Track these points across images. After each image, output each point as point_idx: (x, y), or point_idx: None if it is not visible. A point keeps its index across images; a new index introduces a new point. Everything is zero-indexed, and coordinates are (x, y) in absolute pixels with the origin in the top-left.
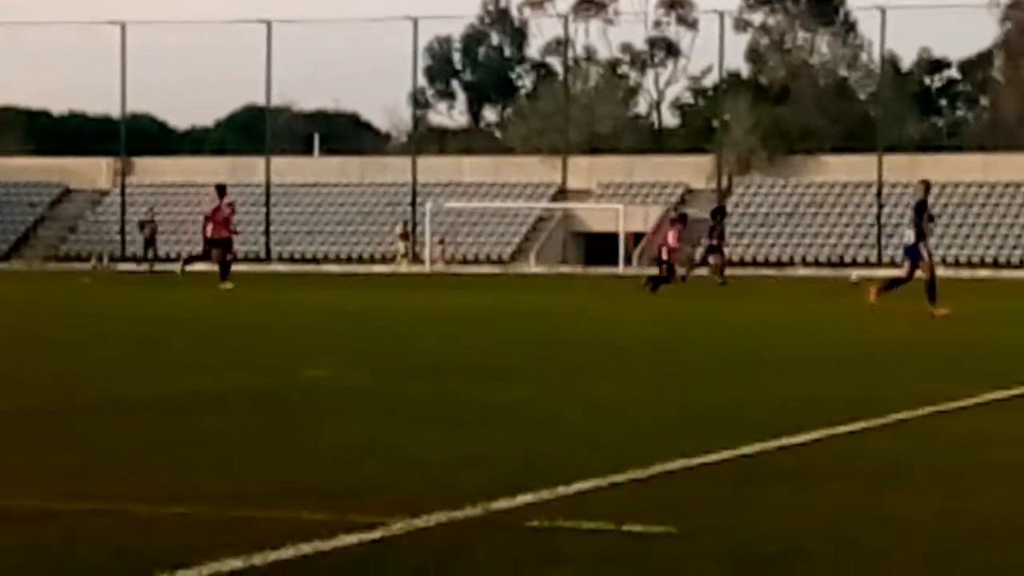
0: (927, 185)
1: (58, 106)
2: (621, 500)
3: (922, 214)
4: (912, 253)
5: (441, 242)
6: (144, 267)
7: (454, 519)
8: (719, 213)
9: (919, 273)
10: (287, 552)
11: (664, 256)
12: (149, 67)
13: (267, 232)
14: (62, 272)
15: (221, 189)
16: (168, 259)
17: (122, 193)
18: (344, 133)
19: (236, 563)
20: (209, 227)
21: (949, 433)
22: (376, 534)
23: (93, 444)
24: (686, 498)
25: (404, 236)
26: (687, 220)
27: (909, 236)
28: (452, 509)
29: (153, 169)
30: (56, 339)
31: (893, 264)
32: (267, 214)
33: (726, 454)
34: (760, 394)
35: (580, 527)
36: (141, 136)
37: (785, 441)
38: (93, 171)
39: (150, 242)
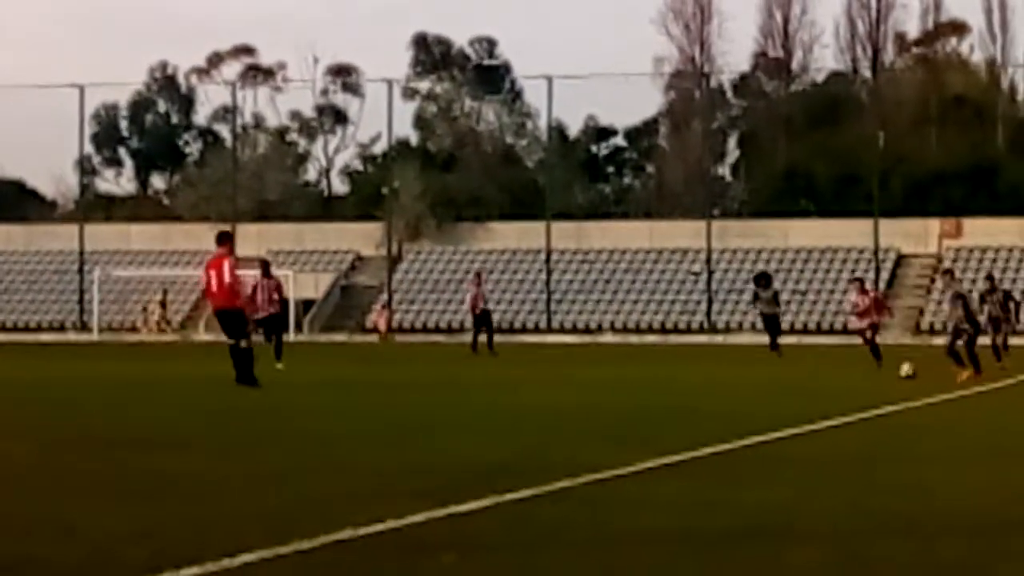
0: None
1: None
2: (287, 572)
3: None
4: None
5: (385, 307)
6: None
7: None
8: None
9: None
10: None
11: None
12: None
13: None
14: None
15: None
16: None
17: None
18: (10, 200)
19: None
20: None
21: (610, 499)
22: None
23: None
24: (351, 568)
25: (162, 304)
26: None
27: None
28: None
29: None
30: None
31: (562, 329)
32: None
33: (393, 523)
34: (427, 460)
35: None
36: None
37: (453, 509)
38: None
39: None
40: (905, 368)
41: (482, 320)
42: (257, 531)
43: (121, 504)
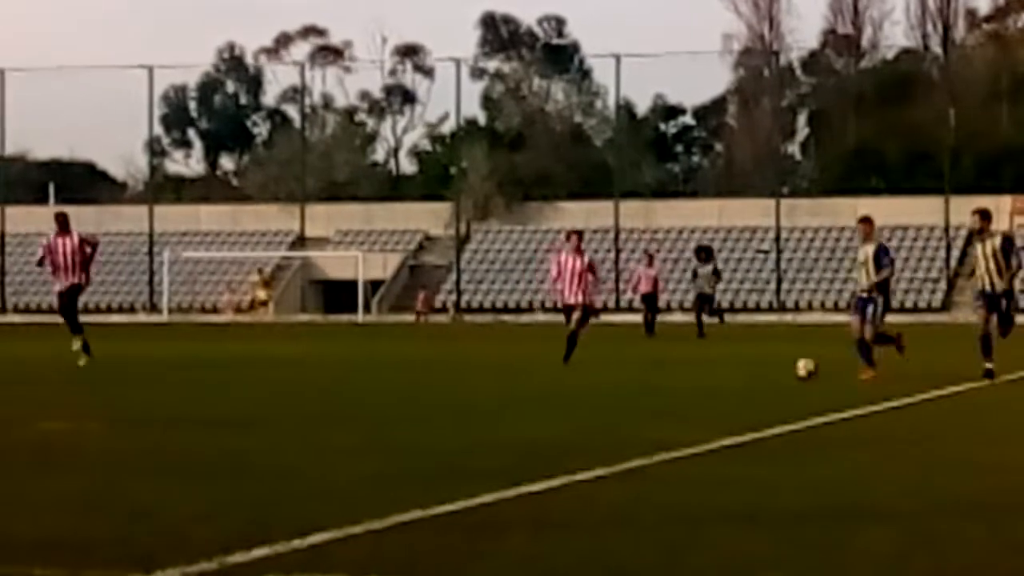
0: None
1: None
2: (357, 552)
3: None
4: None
5: (424, 287)
6: None
7: (188, 574)
8: None
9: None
10: None
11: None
12: None
13: (1, 282)
14: None
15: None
16: None
17: None
18: (80, 182)
19: None
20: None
21: (679, 479)
22: None
23: None
24: (422, 549)
25: (266, 284)
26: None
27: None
28: (187, 564)
29: None
30: None
31: (631, 309)
32: (2, 264)
33: (463, 503)
34: (496, 439)
35: None
36: None
37: (523, 489)
38: None
39: None
40: (801, 367)
41: (649, 301)
42: (327, 511)
43: (190, 484)
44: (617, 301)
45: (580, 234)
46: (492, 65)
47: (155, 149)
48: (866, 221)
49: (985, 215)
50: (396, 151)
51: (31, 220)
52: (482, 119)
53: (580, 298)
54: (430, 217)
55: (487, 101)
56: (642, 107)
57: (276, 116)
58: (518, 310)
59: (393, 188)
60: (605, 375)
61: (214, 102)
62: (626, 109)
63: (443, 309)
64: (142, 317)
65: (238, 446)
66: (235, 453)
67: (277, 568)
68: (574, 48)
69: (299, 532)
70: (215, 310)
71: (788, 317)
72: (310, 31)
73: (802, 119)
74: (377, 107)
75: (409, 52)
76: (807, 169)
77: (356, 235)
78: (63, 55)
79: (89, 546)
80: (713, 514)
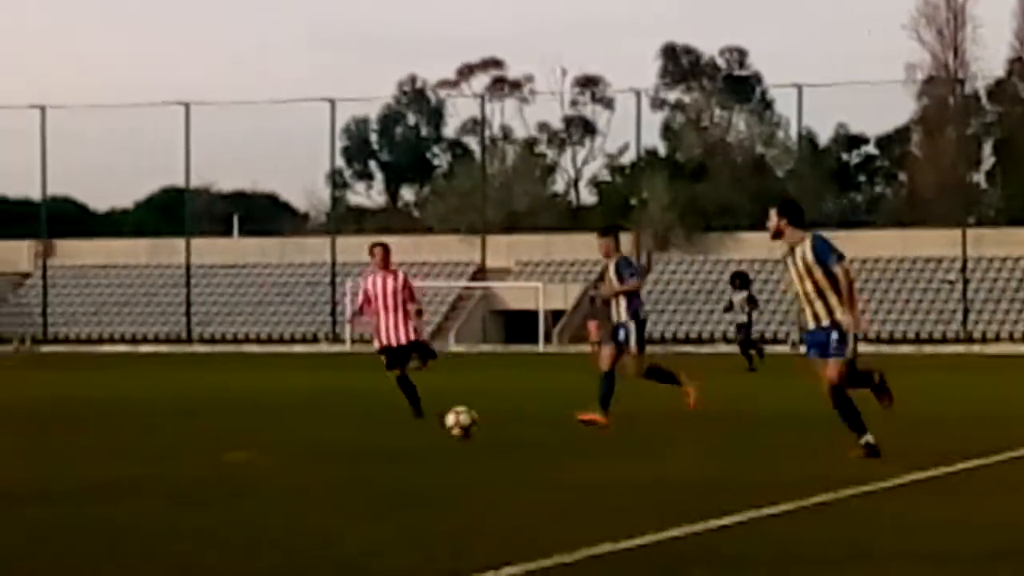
0: None
1: None
2: None
3: None
4: None
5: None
6: None
7: None
8: None
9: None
10: None
11: None
12: (69, 149)
13: (188, 313)
14: None
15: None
16: (91, 340)
17: (44, 275)
18: (263, 214)
19: None
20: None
21: (868, 515)
22: None
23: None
24: None
25: (419, 313)
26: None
27: None
28: None
29: (74, 251)
30: None
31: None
32: (187, 295)
33: (651, 538)
34: (681, 475)
35: None
36: (61, 218)
37: (710, 524)
38: (14, 254)
39: None
40: (449, 420)
41: None
42: (517, 544)
43: (374, 517)
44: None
45: (385, 247)
46: (673, 96)
47: (337, 181)
48: None
49: None
50: (576, 182)
51: (216, 252)
52: (662, 149)
53: (404, 335)
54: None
55: (667, 131)
56: (824, 137)
57: (456, 148)
58: (699, 340)
59: (573, 219)
60: (786, 406)
61: (395, 134)
62: (808, 139)
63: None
64: (324, 347)
65: (418, 478)
66: (417, 485)
67: None
68: (756, 78)
69: (491, 565)
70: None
71: (976, 348)
72: (490, 63)
73: (987, 148)
74: (557, 138)
75: (589, 83)
76: (993, 198)
77: (536, 266)
78: (246, 89)
79: None
80: (902, 551)
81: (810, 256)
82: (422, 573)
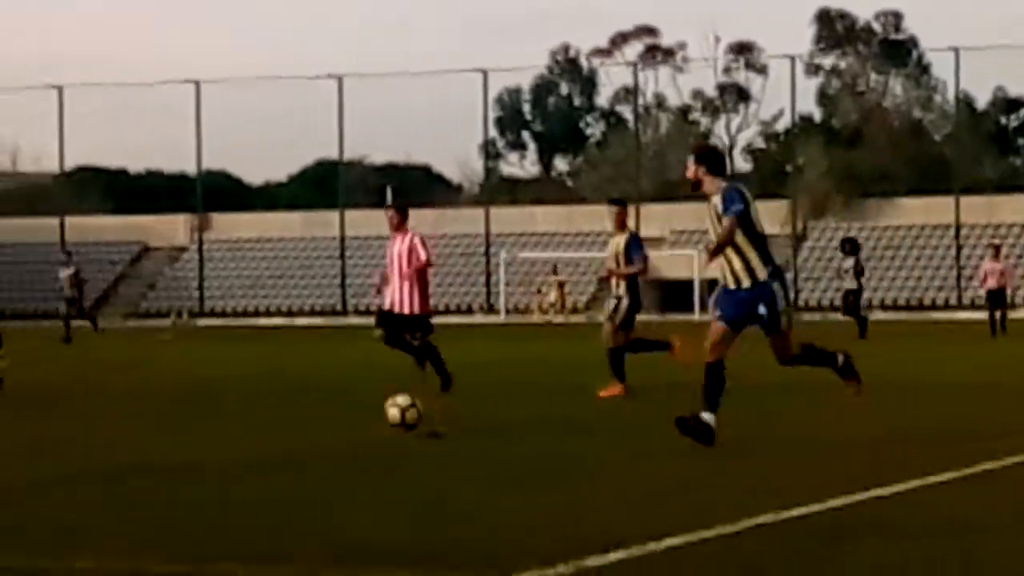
0: None
1: (135, 165)
2: (710, 556)
3: None
4: None
5: (561, 286)
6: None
7: None
8: None
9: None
10: None
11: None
12: (223, 124)
13: (342, 285)
14: (142, 329)
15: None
16: (247, 313)
17: (200, 249)
18: (416, 185)
19: None
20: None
21: None
22: None
23: (169, 504)
24: (774, 554)
25: (560, 285)
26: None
27: None
28: (543, 567)
29: (229, 225)
30: (137, 396)
31: (973, 306)
32: (342, 267)
33: (814, 507)
34: (841, 441)
35: None
36: (217, 192)
37: (873, 493)
38: (171, 228)
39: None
40: (392, 414)
41: (995, 298)
42: (677, 514)
43: (536, 487)
44: (959, 298)
45: (397, 208)
46: (827, 61)
47: (490, 152)
48: None
49: None
50: (730, 149)
51: (370, 223)
52: (818, 115)
53: (408, 305)
54: (766, 215)
55: (823, 97)
56: (982, 100)
57: (610, 116)
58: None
59: None
60: (950, 373)
61: (548, 104)
62: (966, 102)
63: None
64: (479, 318)
65: (583, 450)
66: (581, 457)
67: (633, 571)
68: (912, 42)
69: (654, 536)
70: (526, 310)
71: None
72: (643, 31)
73: None
74: (711, 105)
75: (742, 49)
76: None
77: (691, 235)
78: (399, 61)
79: (440, 550)
80: None
81: (720, 207)
82: (590, 543)
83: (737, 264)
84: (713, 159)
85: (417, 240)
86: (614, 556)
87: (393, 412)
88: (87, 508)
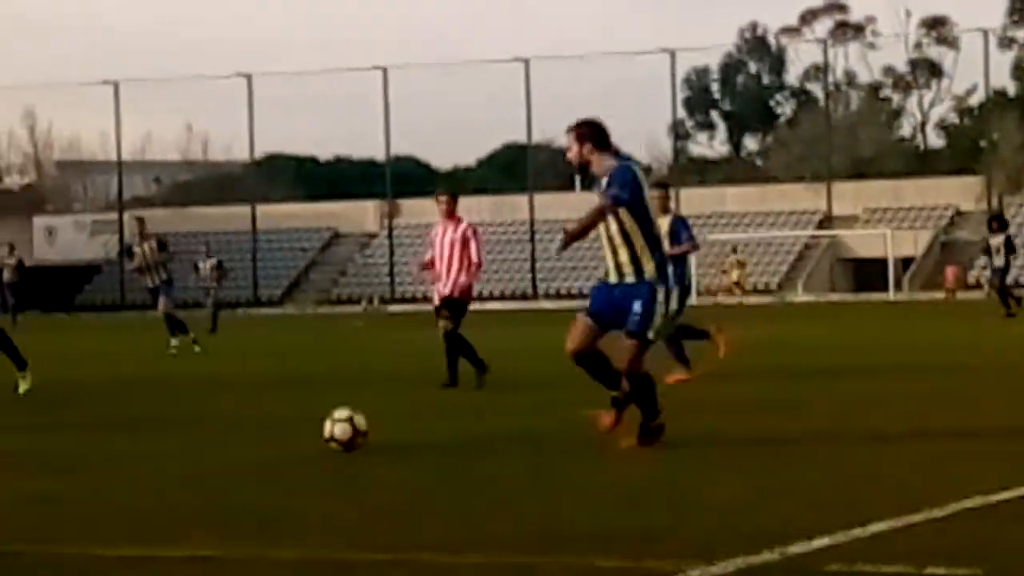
0: None
1: (324, 152)
2: (920, 541)
3: None
4: None
5: (957, 263)
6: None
7: (751, 565)
8: None
9: None
10: None
11: None
12: (410, 110)
13: (532, 269)
14: (334, 315)
15: None
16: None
17: (390, 235)
18: None
19: None
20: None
21: None
22: None
23: (371, 489)
24: (989, 538)
25: (741, 264)
26: None
27: None
28: (748, 554)
29: (418, 210)
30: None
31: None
32: (532, 251)
33: (1021, 491)
34: None
35: (880, 571)
36: (405, 178)
37: None
38: (360, 214)
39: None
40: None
41: None
42: (882, 499)
43: (737, 471)
44: None
45: (450, 195)
46: (1021, 34)
47: (679, 132)
48: None
49: None
50: (923, 125)
51: (559, 207)
52: (1012, 89)
53: (449, 287)
54: (960, 192)
55: (1018, 71)
56: None
57: (800, 95)
58: None
59: (921, 163)
60: None
61: (737, 83)
62: None
63: (976, 286)
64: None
65: (787, 432)
66: (784, 439)
67: (839, 558)
68: None
69: (858, 521)
70: (709, 292)
71: None
72: (832, 7)
73: None
74: (902, 82)
75: (934, 24)
76: None
77: (884, 212)
78: (586, 43)
79: (644, 536)
80: None
81: (603, 187)
82: (795, 529)
83: (624, 256)
84: (596, 133)
85: (471, 232)
86: (818, 543)
87: (327, 426)
88: (291, 493)
